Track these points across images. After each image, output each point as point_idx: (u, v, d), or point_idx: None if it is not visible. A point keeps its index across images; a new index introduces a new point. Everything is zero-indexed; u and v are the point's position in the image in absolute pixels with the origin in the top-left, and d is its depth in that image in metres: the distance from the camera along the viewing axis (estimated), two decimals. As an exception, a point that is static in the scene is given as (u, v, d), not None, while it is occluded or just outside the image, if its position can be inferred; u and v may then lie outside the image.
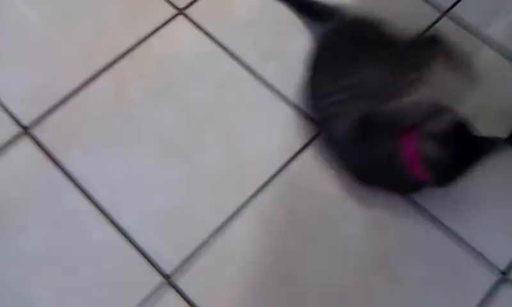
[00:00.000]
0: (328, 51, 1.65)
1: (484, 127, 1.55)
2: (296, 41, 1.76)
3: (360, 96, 1.53)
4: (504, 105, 1.68)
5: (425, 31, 1.79)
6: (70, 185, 1.53)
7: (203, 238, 1.48)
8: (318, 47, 1.67)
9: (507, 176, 1.57)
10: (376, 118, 1.49)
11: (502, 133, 1.61)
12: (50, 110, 1.63)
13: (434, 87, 1.60)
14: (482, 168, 1.47)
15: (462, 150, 1.41)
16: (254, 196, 1.54)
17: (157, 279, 1.43)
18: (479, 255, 1.48)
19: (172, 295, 1.42)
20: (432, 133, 1.41)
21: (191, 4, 1.83)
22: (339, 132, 1.52)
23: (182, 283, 1.43)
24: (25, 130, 1.60)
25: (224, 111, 1.66)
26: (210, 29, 1.78)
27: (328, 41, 1.67)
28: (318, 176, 1.58)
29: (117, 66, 1.71)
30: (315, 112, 1.62)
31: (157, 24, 1.79)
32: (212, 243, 1.48)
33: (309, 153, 1.61)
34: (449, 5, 1.86)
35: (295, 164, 1.59)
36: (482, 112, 1.64)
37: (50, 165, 1.56)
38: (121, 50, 1.74)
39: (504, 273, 1.46)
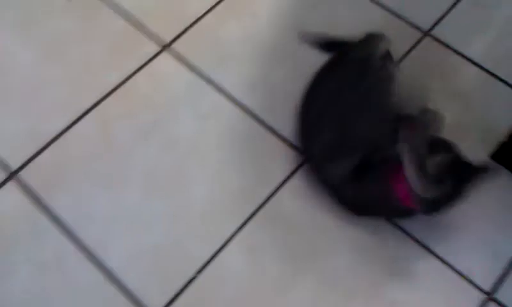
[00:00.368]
0: (322, 89, 1.60)
1: (467, 146, 1.55)
2: (278, 72, 1.76)
3: (353, 143, 1.51)
4: (486, 123, 1.66)
5: (409, 51, 1.79)
6: (57, 228, 1.53)
7: (190, 274, 1.47)
8: (312, 83, 1.61)
9: (488, 196, 1.55)
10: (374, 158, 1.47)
11: (485, 151, 1.60)
12: (37, 153, 1.63)
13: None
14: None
15: (454, 187, 1.40)
16: (240, 228, 1.53)
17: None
18: (464, 277, 1.46)
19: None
20: (425, 172, 1.39)
21: (175, 39, 1.83)
22: (334, 174, 1.51)
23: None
24: (12, 174, 1.60)
25: (209, 144, 1.65)
26: (194, 63, 1.79)
27: (321, 79, 1.61)
28: (304, 205, 1.57)
29: (102, 105, 1.71)
30: (306, 149, 1.60)
31: (143, 61, 1.79)
32: (200, 278, 1.47)
33: (294, 183, 1.60)
34: (430, 26, 1.85)
35: (280, 194, 1.58)
36: (465, 131, 1.64)
37: (36, 208, 1.55)
38: (108, 88, 1.74)
39: (489, 293, 1.44)
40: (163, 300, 1.44)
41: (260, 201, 1.57)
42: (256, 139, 1.66)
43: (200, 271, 1.48)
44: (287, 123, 1.65)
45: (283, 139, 1.65)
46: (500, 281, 1.45)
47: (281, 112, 1.67)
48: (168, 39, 1.83)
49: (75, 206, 1.56)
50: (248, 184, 1.60)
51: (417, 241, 1.51)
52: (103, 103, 1.72)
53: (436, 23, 1.85)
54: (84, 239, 1.51)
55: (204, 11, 1.89)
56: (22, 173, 1.60)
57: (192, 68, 1.78)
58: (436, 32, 1.84)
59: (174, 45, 1.82)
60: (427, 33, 1.84)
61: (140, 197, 1.58)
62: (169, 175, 1.61)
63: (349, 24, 1.84)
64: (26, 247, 1.50)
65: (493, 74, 1.76)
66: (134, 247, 1.51)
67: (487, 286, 1.45)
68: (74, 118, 1.69)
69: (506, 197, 1.56)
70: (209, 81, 1.75)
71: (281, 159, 1.63)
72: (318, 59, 1.64)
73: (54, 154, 1.63)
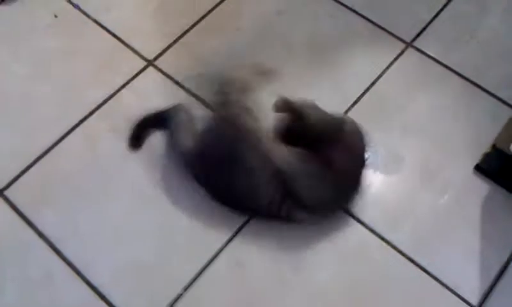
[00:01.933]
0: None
1: (452, 157, 1.53)
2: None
3: None
4: (470, 134, 1.59)
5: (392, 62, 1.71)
6: (42, 244, 1.46)
7: (176, 292, 1.40)
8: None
9: (474, 207, 1.50)
10: None
11: (470, 163, 1.53)
12: (23, 171, 1.56)
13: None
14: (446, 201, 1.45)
15: None
16: (226, 243, 1.46)
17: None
18: (451, 290, 1.39)
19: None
20: None
21: (159, 55, 1.76)
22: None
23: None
24: (-1, 193, 1.54)
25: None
26: (178, 79, 1.71)
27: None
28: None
29: (88, 121, 1.64)
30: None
31: (128, 76, 1.72)
32: (186, 295, 1.40)
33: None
34: (412, 37, 1.78)
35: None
36: (449, 142, 1.57)
37: (22, 225, 1.48)
38: (93, 105, 1.67)
39: (476, 307, 1.37)
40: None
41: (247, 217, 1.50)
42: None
43: (185, 288, 1.40)
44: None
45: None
46: (488, 293, 1.38)
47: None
48: (153, 55, 1.76)
49: (61, 223, 1.49)
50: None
51: (400, 251, 1.44)
52: (89, 119, 1.65)
53: (417, 35, 1.78)
54: (69, 256, 1.45)
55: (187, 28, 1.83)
56: (8, 192, 1.53)
57: (177, 83, 1.70)
58: (417, 43, 1.77)
59: (159, 60, 1.75)
60: (409, 44, 1.76)
61: (125, 213, 1.51)
62: (154, 190, 1.53)
63: (331, 36, 1.79)
64: (13, 264, 1.44)
65: (476, 84, 1.69)
66: (118, 264, 1.44)
67: (474, 300, 1.38)
68: (60, 134, 1.62)
69: (492, 208, 1.49)
70: (193, 95, 1.68)
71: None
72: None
73: (40, 171, 1.57)
